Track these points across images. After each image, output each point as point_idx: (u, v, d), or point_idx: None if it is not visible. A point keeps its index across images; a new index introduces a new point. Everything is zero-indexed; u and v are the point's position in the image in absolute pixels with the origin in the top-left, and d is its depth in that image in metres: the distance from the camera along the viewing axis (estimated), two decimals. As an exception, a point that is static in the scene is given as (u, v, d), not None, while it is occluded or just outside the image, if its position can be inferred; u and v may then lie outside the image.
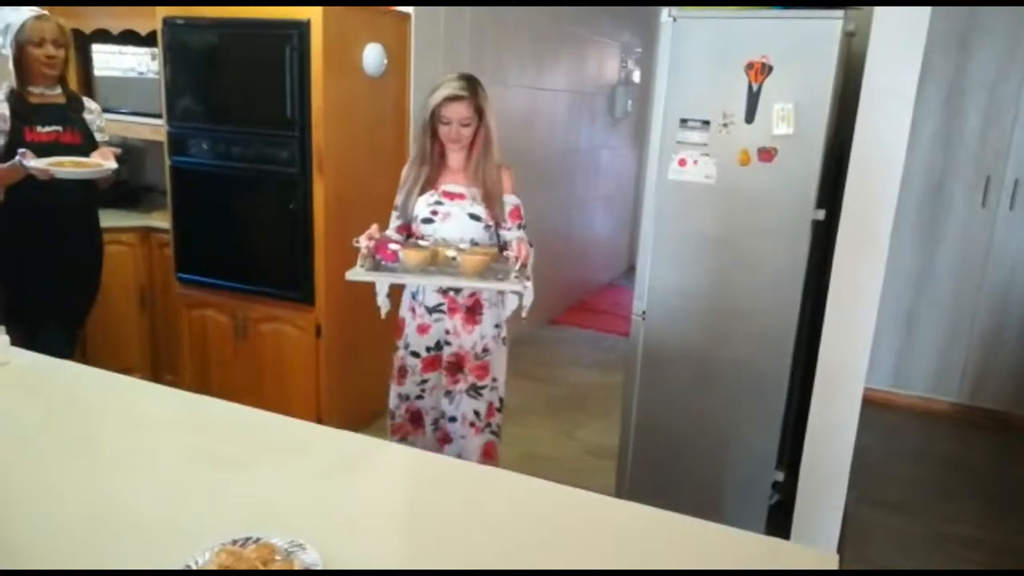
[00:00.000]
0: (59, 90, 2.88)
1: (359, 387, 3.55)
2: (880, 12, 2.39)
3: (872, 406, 4.34)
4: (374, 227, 2.36)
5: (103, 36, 3.62)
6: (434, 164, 2.47)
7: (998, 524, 3.28)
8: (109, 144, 2.98)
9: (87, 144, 2.89)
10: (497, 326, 2.56)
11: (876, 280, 2.53)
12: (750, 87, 2.63)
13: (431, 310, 2.50)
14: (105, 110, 3.79)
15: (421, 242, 2.42)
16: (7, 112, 2.77)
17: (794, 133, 2.60)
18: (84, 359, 3.44)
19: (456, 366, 2.52)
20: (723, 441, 2.89)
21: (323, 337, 3.34)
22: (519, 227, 2.51)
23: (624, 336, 3.32)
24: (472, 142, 2.44)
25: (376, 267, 2.34)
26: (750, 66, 2.62)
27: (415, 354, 2.54)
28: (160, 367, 3.85)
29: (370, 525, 1.28)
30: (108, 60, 3.75)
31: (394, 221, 2.55)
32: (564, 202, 5.77)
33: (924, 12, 2.34)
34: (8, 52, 2.77)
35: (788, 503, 2.83)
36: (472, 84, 2.39)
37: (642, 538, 1.28)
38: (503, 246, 2.51)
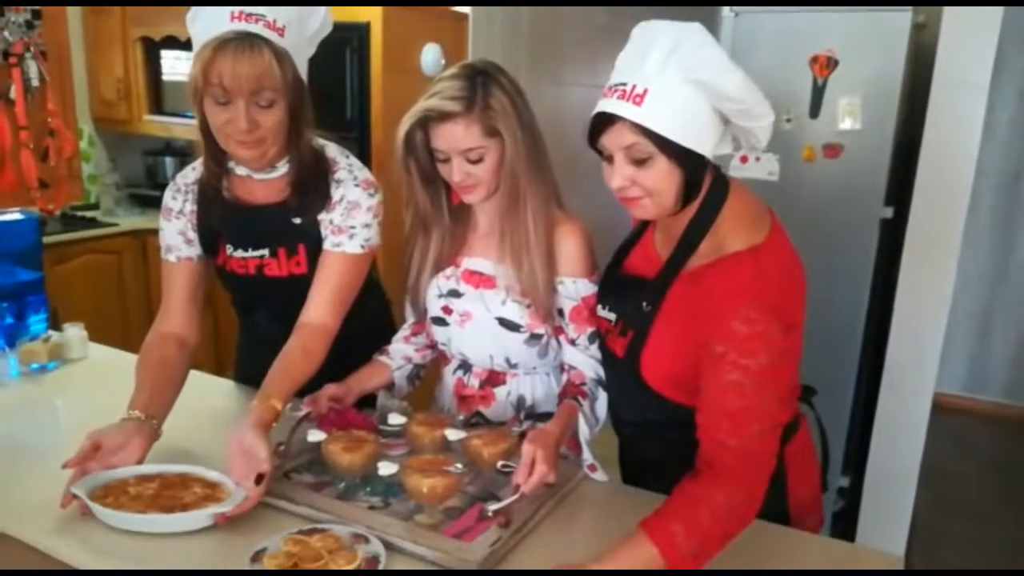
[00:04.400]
0: (280, 171, 1.53)
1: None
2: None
3: (944, 412, 4.19)
4: (327, 391, 1.45)
5: (172, 43, 3.73)
6: (444, 228, 1.50)
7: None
8: (361, 247, 1.56)
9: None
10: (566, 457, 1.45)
11: (947, 279, 2.44)
12: (815, 81, 2.57)
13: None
14: (173, 114, 3.95)
15: (394, 416, 1.48)
16: (196, 208, 1.58)
17: (861, 128, 2.54)
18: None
19: None
20: (785, 444, 2.82)
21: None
22: (592, 339, 1.44)
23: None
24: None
25: (313, 460, 1.40)
26: (815, 60, 2.56)
27: None
28: (223, 363, 3.94)
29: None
30: (175, 65, 3.86)
31: (408, 316, 1.65)
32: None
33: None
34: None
35: (853, 510, 2.75)
36: (480, 85, 1.33)
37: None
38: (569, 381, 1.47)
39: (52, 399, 1.77)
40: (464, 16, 3.47)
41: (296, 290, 1.54)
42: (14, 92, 1.84)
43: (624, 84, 1.14)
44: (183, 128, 3.88)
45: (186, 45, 3.70)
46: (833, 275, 2.65)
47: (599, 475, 1.41)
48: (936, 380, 4.32)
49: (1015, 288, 4.13)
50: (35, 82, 1.92)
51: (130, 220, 3.84)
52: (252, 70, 1.36)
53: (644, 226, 1.38)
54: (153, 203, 4.14)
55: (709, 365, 1.15)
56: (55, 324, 2.06)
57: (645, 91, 1.12)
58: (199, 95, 1.40)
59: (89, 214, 3.72)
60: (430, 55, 3.23)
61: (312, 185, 1.54)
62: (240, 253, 1.58)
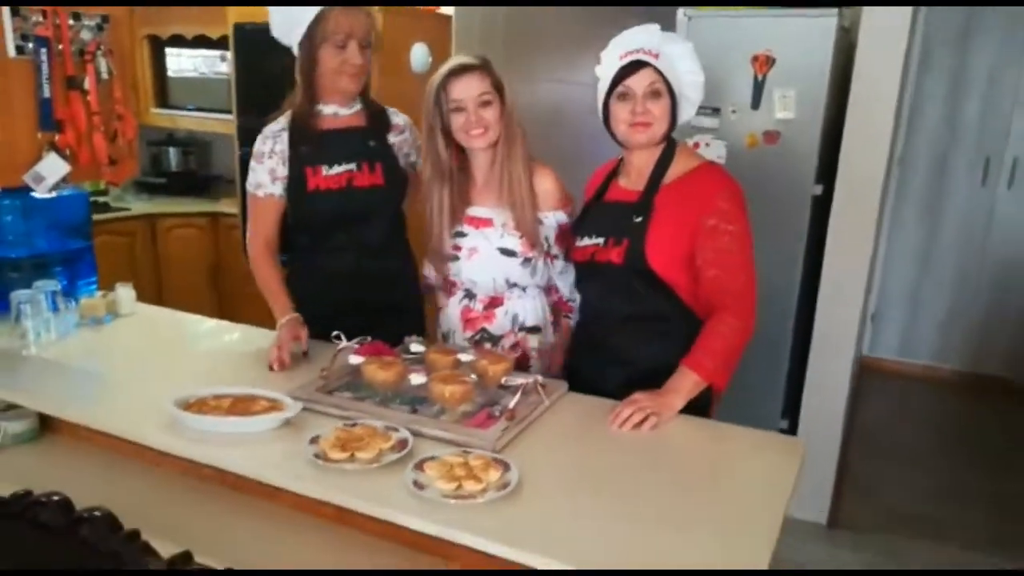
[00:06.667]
0: (358, 106, 2.06)
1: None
2: (868, 4, 2.71)
3: (879, 374, 4.67)
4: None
5: (178, 41, 4.03)
6: (453, 180, 1.91)
7: (992, 475, 3.58)
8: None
9: (391, 186, 2.05)
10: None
11: (866, 250, 2.85)
12: (755, 77, 2.97)
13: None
14: (177, 107, 4.25)
15: (415, 345, 1.87)
16: (286, 148, 2.00)
17: (795, 117, 2.94)
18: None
19: None
20: (731, 393, 3.21)
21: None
22: (567, 255, 1.93)
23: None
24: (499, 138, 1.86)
25: (350, 382, 1.76)
26: (755, 58, 2.96)
27: None
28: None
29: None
30: (179, 62, 4.17)
31: (428, 272, 2.08)
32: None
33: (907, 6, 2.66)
34: (296, 55, 1.99)
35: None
36: (484, 57, 1.86)
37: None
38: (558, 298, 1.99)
39: (117, 343, 2.10)
40: (448, 17, 3.83)
41: (376, 203, 2.02)
42: (88, 84, 2.19)
43: (642, 48, 1.73)
44: (186, 120, 4.19)
45: (191, 43, 4.02)
46: (772, 244, 3.04)
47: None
48: (872, 346, 4.80)
49: (939, 266, 4.60)
50: (105, 75, 2.26)
51: (139, 205, 4.16)
52: (366, 21, 1.95)
53: (605, 184, 1.89)
54: (158, 190, 4.45)
55: (704, 236, 1.69)
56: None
57: (659, 53, 1.73)
58: (315, 46, 1.92)
59: (101, 199, 4.02)
60: (418, 53, 3.57)
61: (378, 114, 2.09)
62: (335, 169, 1.99)
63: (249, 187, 2.06)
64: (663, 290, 1.74)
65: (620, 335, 1.82)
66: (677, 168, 1.76)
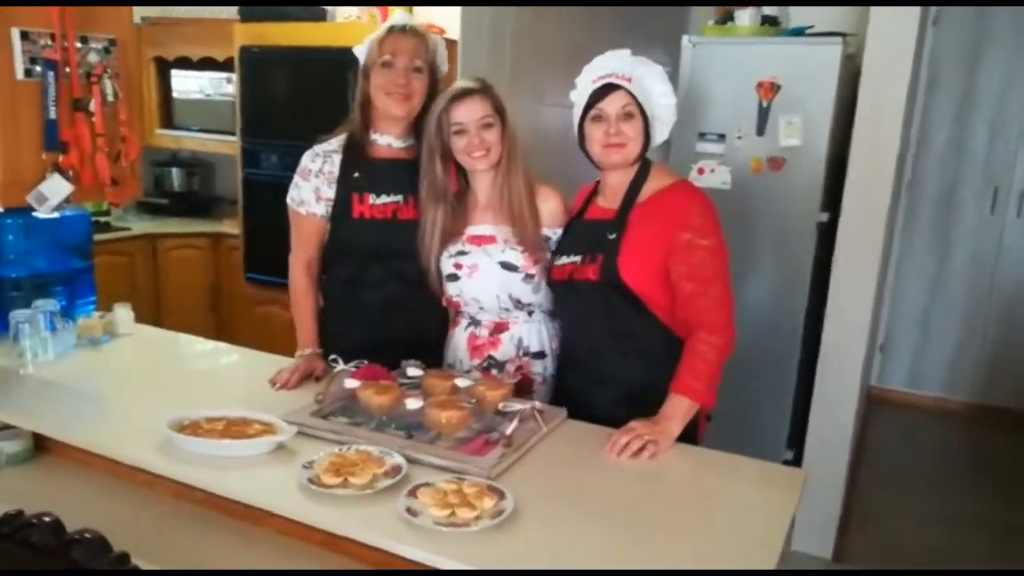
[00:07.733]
0: (412, 141, 2.00)
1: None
2: (872, 32, 2.70)
3: (889, 405, 4.61)
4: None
5: (184, 63, 4.06)
6: (449, 204, 1.92)
7: (1004, 504, 3.52)
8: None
9: None
10: None
11: (872, 275, 2.82)
12: (760, 104, 2.97)
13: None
14: (181, 128, 4.28)
15: (412, 369, 1.83)
16: (335, 171, 1.97)
17: (800, 144, 2.93)
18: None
19: None
20: (735, 423, 3.17)
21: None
22: None
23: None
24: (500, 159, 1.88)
25: (345, 407, 1.73)
26: (760, 85, 2.96)
27: None
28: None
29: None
30: (185, 84, 4.19)
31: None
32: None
33: (911, 33, 2.65)
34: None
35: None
36: (484, 82, 1.88)
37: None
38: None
39: (113, 364, 2.08)
40: (454, 41, 3.84)
41: (415, 237, 1.95)
42: (93, 106, 2.22)
43: (614, 72, 1.76)
44: (191, 141, 4.21)
45: (197, 65, 4.05)
46: (777, 273, 3.03)
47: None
48: (881, 377, 4.75)
49: (951, 293, 4.55)
50: (110, 97, 2.28)
51: (141, 225, 4.16)
52: (415, 43, 1.92)
53: (585, 204, 1.91)
54: (161, 210, 4.46)
55: (678, 251, 1.71)
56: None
57: (631, 77, 1.76)
58: (368, 68, 1.92)
59: (103, 219, 4.03)
60: (423, 77, 3.58)
61: None
62: (382, 199, 1.96)
63: (291, 202, 2.02)
64: (638, 307, 1.75)
65: (601, 354, 1.83)
66: (651, 186, 1.79)
